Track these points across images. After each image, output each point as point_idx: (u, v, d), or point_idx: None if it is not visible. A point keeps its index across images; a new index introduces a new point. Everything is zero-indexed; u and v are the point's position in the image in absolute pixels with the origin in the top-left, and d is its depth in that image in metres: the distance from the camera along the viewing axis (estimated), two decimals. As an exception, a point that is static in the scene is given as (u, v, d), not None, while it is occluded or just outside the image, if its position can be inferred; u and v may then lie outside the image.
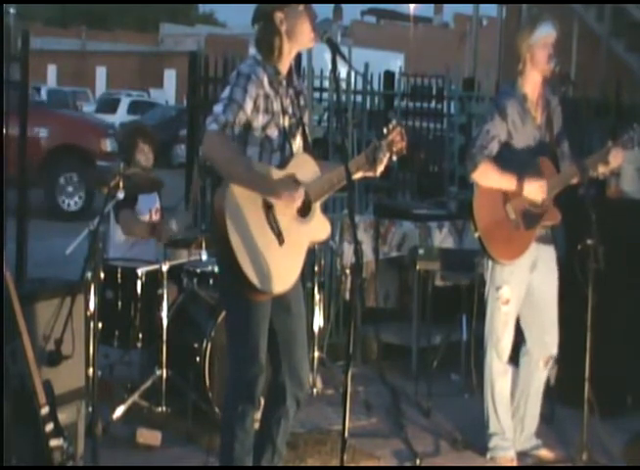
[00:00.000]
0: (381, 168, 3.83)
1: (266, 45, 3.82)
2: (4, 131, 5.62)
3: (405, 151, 3.79)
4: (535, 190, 4.68)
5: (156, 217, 5.85)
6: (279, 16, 3.78)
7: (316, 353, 5.83)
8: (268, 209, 3.73)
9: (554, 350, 4.90)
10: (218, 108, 3.71)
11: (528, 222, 4.76)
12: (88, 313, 4.66)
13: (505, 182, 4.70)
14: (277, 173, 3.76)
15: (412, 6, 51.49)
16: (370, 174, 3.88)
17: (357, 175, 3.86)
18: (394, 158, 3.80)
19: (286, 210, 3.75)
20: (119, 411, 4.97)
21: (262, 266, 3.68)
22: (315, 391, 5.77)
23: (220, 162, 3.69)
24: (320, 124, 8.14)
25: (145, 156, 5.86)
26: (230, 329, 3.93)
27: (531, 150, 4.78)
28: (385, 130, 3.78)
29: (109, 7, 53.59)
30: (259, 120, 3.77)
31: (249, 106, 3.72)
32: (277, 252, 3.74)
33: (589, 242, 4.59)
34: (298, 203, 3.73)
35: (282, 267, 3.77)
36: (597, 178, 4.94)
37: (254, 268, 3.66)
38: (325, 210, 3.97)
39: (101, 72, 44.40)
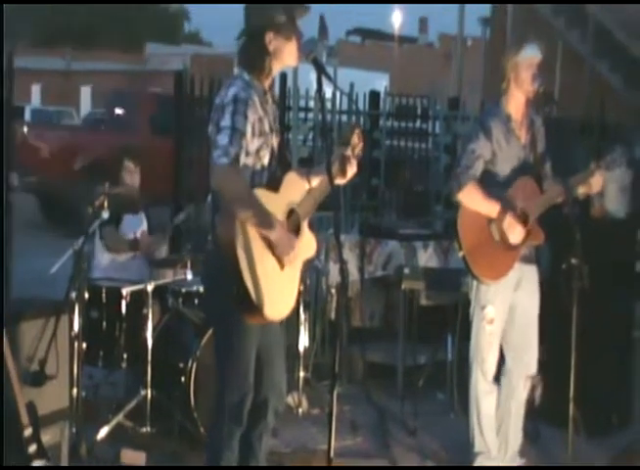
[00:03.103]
0: (351, 173, 3.90)
1: (257, 64, 3.82)
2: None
3: (362, 151, 3.90)
4: (514, 232, 4.69)
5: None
6: (269, 36, 3.79)
7: (301, 373, 5.82)
8: None
9: (533, 369, 4.90)
10: (223, 139, 3.63)
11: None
12: (72, 333, 4.64)
13: (489, 207, 4.70)
14: (276, 201, 3.75)
15: (397, 26, 51.66)
16: (342, 182, 3.96)
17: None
18: (355, 160, 3.88)
19: None
20: (104, 432, 4.94)
21: (270, 294, 3.68)
22: (301, 411, 5.76)
23: (231, 198, 3.64)
24: (305, 144, 8.12)
25: (130, 174, 5.83)
26: (223, 352, 3.86)
27: (515, 170, 4.79)
28: (346, 134, 3.88)
29: (94, 26, 53.54)
30: (254, 144, 3.75)
31: (249, 133, 3.71)
32: (280, 277, 3.76)
33: (574, 261, 4.60)
34: (291, 256, 3.76)
35: (285, 292, 3.81)
36: (577, 198, 4.95)
37: (264, 298, 3.66)
38: (310, 229, 3.98)
39: (86, 92, 44.29)
